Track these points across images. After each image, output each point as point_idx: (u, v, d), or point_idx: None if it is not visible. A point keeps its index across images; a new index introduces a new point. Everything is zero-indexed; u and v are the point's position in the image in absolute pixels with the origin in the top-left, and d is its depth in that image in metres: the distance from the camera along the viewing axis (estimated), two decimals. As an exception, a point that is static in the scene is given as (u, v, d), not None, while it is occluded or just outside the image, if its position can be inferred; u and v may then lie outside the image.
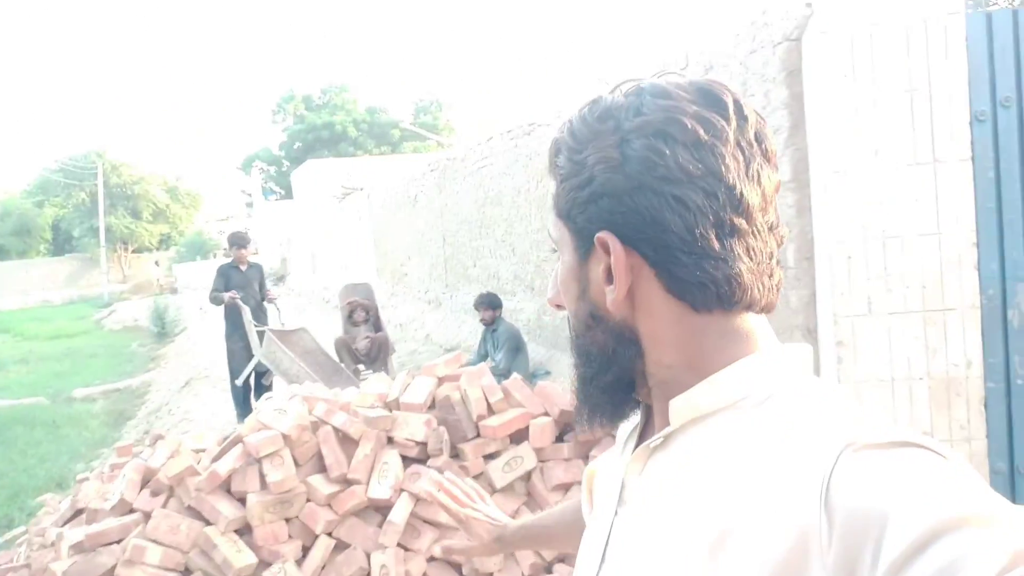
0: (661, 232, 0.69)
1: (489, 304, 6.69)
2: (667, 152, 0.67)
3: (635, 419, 0.83)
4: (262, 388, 7.90)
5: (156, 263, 48.14)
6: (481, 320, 6.80)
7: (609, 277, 0.73)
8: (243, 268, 8.10)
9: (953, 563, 0.47)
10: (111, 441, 9.60)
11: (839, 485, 0.56)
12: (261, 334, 7.86)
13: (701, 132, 0.68)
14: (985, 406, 3.38)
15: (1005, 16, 3.61)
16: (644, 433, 0.81)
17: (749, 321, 0.73)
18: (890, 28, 3.20)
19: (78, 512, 4.20)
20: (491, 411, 3.98)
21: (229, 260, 8.30)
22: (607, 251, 0.72)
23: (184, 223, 48.73)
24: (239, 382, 7.73)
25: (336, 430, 3.76)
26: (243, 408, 7.69)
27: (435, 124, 42.48)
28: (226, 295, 7.81)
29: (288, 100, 45.26)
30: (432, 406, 4.04)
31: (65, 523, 4.13)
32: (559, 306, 0.82)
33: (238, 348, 7.96)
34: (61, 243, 49.76)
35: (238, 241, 8.15)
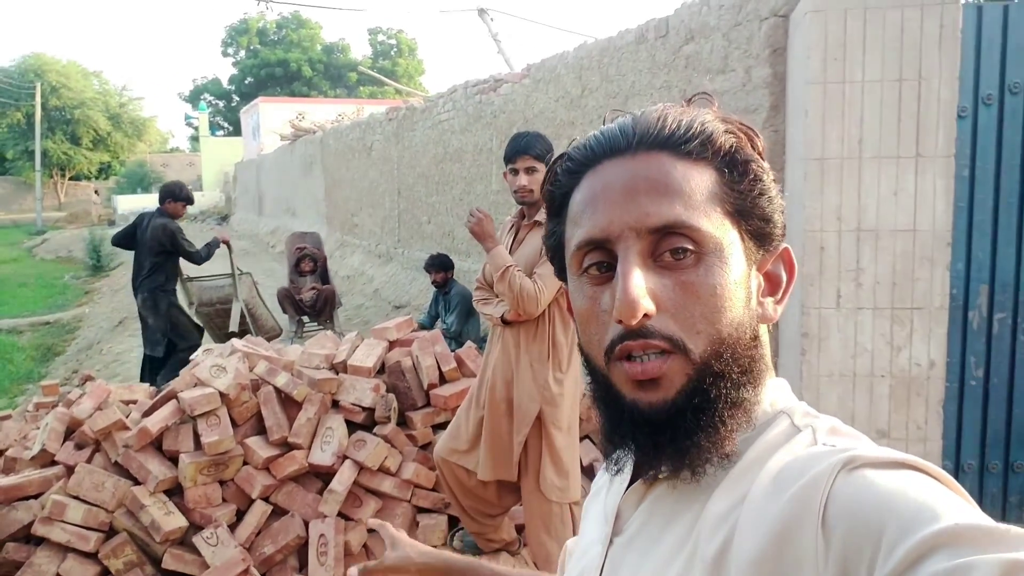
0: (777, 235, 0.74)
1: (441, 266, 6.48)
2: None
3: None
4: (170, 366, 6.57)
5: (96, 192, 46.37)
6: (433, 282, 6.60)
7: (772, 284, 0.74)
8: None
9: (950, 573, 0.47)
10: (37, 377, 9.21)
11: (836, 504, 0.55)
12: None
13: None
14: (943, 407, 3.36)
15: (995, 10, 3.51)
16: (643, 464, 0.75)
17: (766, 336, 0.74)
18: (886, 12, 3.08)
19: (-3, 454, 3.94)
20: (443, 380, 3.84)
21: (156, 212, 6.67)
22: (783, 257, 0.75)
23: (126, 152, 46.81)
24: (234, 329, 6.86)
25: (278, 391, 3.58)
26: (149, 378, 6.46)
27: (393, 69, 41.47)
28: (219, 238, 6.79)
29: (241, 32, 43.56)
30: (381, 371, 3.88)
31: (-19, 466, 3.87)
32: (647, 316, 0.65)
33: (186, 318, 6.90)
34: (-7, 164, 47.53)
35: (187, 197, 6.77)
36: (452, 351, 4.01)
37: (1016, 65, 3.51)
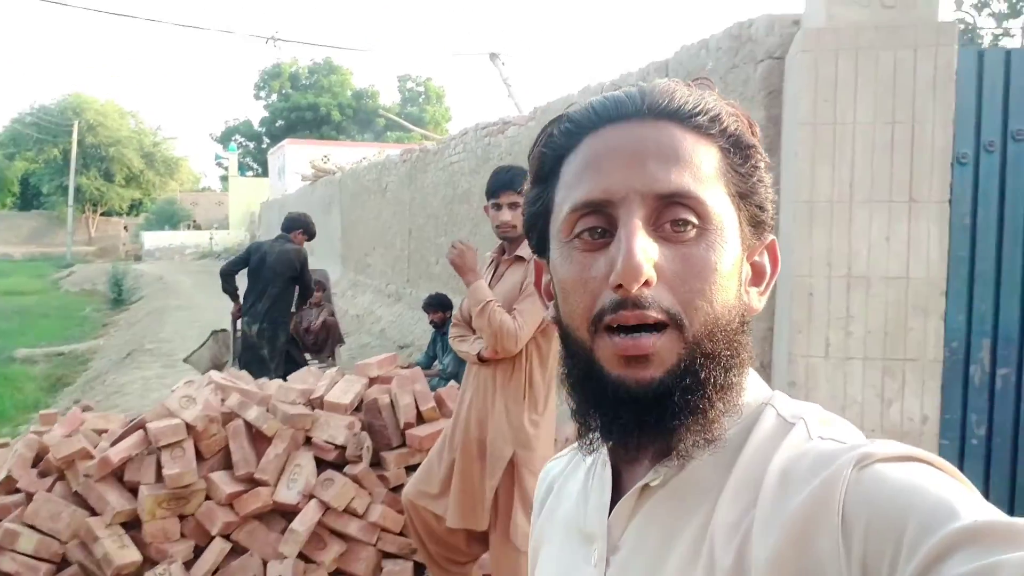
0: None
1: (439, 306, 6.41)
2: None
3: (583, 457, 0.77)
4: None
5: (125, 228, 47.23)
6: (431, 322, 6.53)
7: (757, 275, 0.72)
8: None
9: (975, 575, 0.47)
10: (43, 406, 9.21)
11: (853, 504, 0.55)
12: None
13: None
14: (938, 465, 3.19)
15: (997, 55, 3.42)
16: (623, 469, 0.73)
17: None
18: (879, 53, 3.00)
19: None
20: (421, 419, 3.72)
21: (279, 239, 6.60)
22: (769, 248, 0.73)
23: (157, 190, 47.78)
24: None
25: (248, 425, 3.48)
26: None
27: (421, 115, 42.12)
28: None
29: (274, 76, 44.60)
30: (359, 408, 3.78)
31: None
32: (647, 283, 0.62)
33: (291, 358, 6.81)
34: (29, 198, 48.69)
35: (313, 233, 6.79)
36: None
37: (1019, 112, 3.40)
